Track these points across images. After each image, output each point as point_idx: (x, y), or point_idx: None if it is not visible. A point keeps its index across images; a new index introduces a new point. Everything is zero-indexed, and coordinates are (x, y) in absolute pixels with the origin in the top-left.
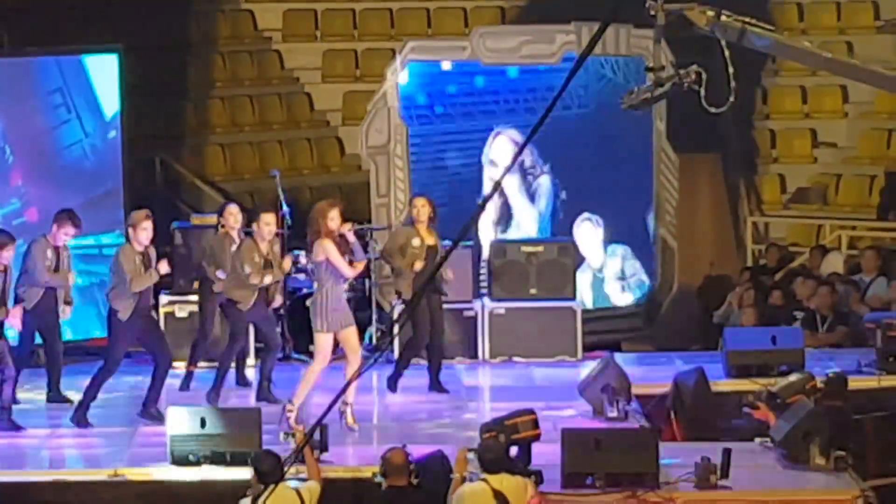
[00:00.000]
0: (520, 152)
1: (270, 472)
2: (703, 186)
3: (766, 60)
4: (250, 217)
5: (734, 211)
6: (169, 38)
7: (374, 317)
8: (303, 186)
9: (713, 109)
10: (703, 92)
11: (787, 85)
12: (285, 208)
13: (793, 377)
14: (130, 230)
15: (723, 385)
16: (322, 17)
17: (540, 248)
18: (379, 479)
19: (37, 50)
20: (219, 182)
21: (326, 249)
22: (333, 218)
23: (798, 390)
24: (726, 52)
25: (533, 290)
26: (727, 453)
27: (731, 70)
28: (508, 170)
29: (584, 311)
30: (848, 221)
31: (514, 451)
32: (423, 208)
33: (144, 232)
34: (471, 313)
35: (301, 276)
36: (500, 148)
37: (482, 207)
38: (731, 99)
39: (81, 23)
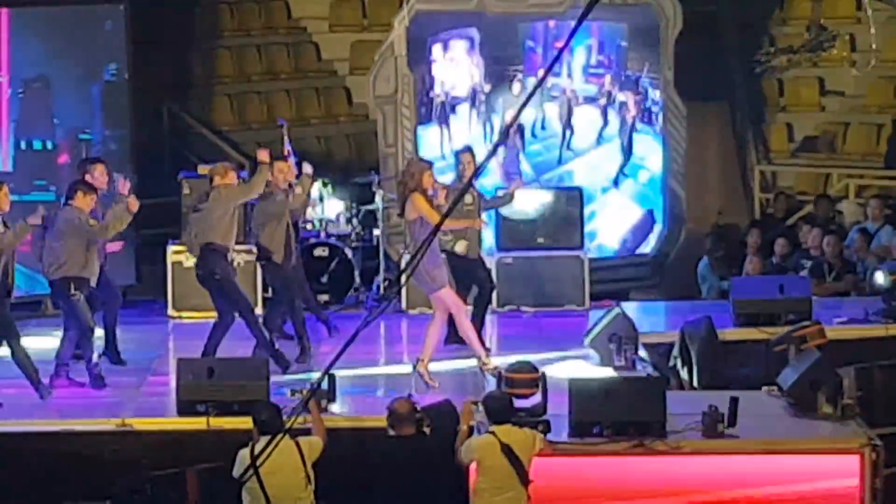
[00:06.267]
0: (523, 107)
1: (269, 422)
2: (711, 135)
3: (773, 8)
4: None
5: (742, 160)
6: None
7: (382, 266)
8: (310, 136)
9: (855, 72)
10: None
11: (794, 34)
12: (293, 158)
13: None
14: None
15: (730, 334)
16: None
17: (548, 197)
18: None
19: (44, 1)
20: (226, 132)
21: (420, 205)
22: (429, 177)
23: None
24: (869, 12)
25: (540, 240)
26: (734, 402)
27: (872, 31)
28: (510, 126)
29: (592, 260)
30: (855, 170)
31: (533, 400)
32: (469, 165)
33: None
34: None
35: (308, 227)
36: None
37: (487, 158)
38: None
39: None
